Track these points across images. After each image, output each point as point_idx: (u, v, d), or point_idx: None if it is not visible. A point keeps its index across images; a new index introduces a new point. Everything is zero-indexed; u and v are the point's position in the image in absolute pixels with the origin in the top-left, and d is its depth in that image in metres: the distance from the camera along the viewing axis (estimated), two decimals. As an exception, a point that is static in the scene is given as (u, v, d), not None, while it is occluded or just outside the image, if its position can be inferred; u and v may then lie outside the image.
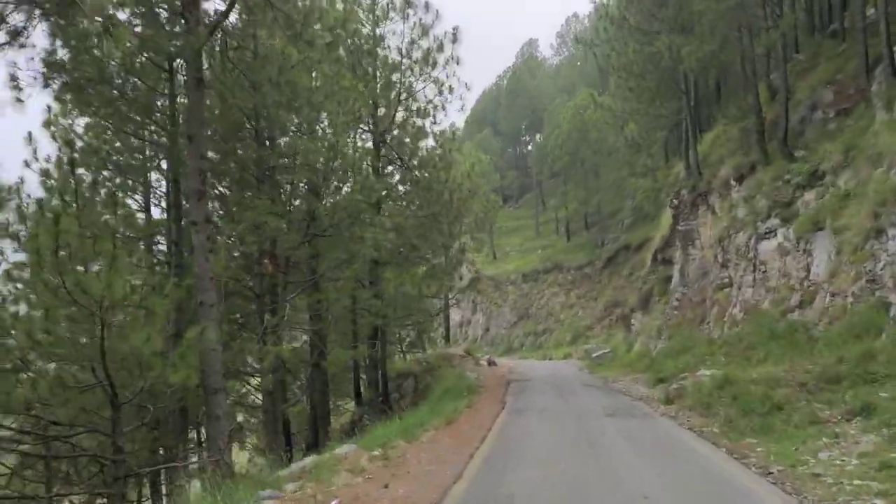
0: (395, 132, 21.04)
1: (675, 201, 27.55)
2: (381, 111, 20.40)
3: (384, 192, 19.35)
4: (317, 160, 13.65)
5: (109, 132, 16.45)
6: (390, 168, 23.01)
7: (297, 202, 15.90)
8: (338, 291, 15.17)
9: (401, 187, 22.70)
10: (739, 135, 22.06)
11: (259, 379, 16.54)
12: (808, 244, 16.86)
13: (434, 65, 20.05)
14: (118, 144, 17.16)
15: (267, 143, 15.12)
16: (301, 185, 15.14)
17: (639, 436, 11.42)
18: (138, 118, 14.70)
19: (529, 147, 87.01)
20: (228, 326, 17.93)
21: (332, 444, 11.76)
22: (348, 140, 15.01)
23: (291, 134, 13.94)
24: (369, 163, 17.93)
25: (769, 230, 18.84)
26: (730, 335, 19.08)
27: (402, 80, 19.82)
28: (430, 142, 22.12)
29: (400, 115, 20.61)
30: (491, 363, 32.02)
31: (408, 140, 21.90)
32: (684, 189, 26.42)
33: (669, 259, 28.52)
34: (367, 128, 19.70)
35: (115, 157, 17.09)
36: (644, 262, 34.72)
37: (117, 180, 17.75)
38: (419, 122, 21.45)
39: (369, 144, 20.73)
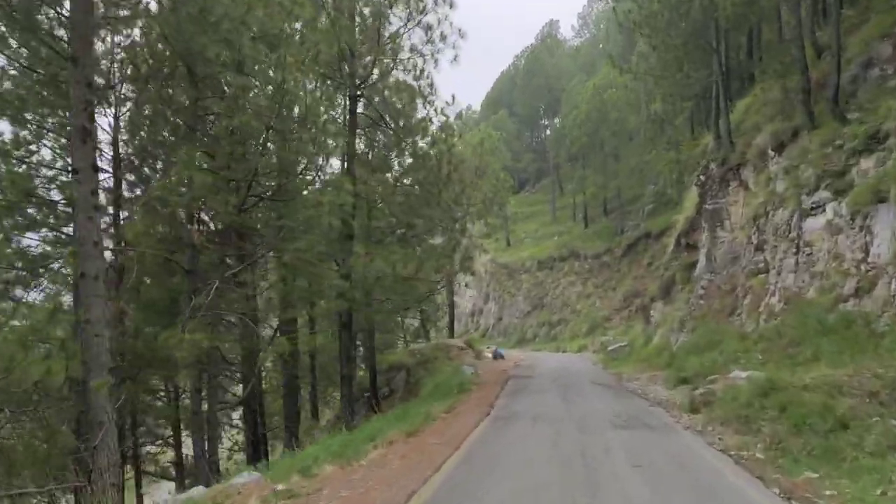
0: (379, 86, 18.09)
1: (702, 178, 24.55)
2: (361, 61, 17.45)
3: (362, 153, 16.49)
4: (256, 102, 10.90)
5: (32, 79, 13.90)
6: (380, 135, 20.32)
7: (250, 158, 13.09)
8: (285, 268, 12.41)
9: (389, 154, 19.89)
10: (780, 96, 19.00)
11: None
12: (866, 220, 13.93)
13: (423, 10, 17.13)
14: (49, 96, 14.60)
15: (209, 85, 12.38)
16: (244, 137, 12.29)
17: (656, 462, 8.45)
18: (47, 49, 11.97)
19: (547, 131, 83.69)
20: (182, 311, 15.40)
21: (238, 470, 9.04)
22: (304, 82, 12.14)
23: (221, 68, 11.07)
24: (334, 114, 15.11)
25: (816, 205, 15.88)
26: (767, 329, 16.19)
27: (384, 21, 16.86)
28: (424, 105, 19.27)
29: (385, 66, 17.65)
30: (497, 356, 29.28)
31: (400, 104, 19.11)
32: (713, 163, 23.39)
33: (694, 243, 25.74)
34: (339, 78, 16.72)
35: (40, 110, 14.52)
36: (666, 249, 31.84)
37: (51, 136, 15.35)
38: (410, 80, 18.63)
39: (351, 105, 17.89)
